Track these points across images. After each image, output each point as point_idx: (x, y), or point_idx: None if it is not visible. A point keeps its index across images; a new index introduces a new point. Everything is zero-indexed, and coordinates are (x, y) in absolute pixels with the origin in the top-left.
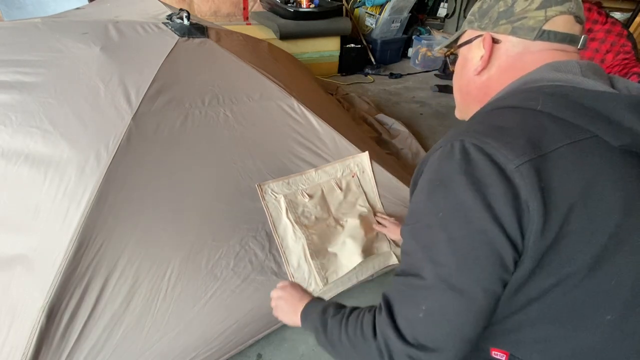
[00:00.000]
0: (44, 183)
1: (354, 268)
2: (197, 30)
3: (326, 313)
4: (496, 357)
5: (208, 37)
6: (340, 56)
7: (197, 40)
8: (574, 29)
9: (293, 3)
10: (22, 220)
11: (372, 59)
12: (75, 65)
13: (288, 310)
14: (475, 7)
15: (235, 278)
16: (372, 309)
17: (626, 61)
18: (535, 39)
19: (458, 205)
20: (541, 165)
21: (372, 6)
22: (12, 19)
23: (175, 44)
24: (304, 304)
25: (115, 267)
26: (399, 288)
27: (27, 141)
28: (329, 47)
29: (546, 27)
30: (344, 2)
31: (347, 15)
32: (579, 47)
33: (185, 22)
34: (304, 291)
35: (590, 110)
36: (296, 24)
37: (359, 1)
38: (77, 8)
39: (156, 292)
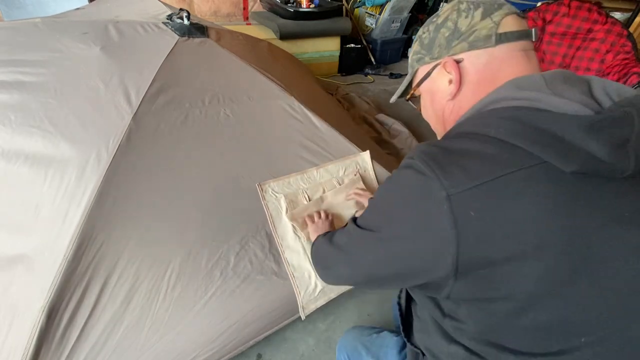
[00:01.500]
0: (44, 183)
1: None
2: (197, 30)
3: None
4: None
5: (208, 36)
6: (340, 56)
7: (197, 40)
8: (523, 24)
9: (293, 3)
10: (22, 220)
11: (372, 59)
12: (76, 65)
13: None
14: (416, 47)
15: (235, 278)
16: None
17: (626, 61)
18: (496, 43)
19: (395, 209)
20: (482, 192)
21: (372, 6)
22: (12, 19)
23: (176, 43)
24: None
25: (115, 267)
26: (347, 231)
27: (27, 141)
28: (329, 47)
29: (500, 30)
30: (344, 2)
31: (347, 15)
32: (533, 39)
33: (185, 21)
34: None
35: (543, 133)
36: (296, 24)
37: (359, 1)
38: (77, 8)
39: (156, 292)
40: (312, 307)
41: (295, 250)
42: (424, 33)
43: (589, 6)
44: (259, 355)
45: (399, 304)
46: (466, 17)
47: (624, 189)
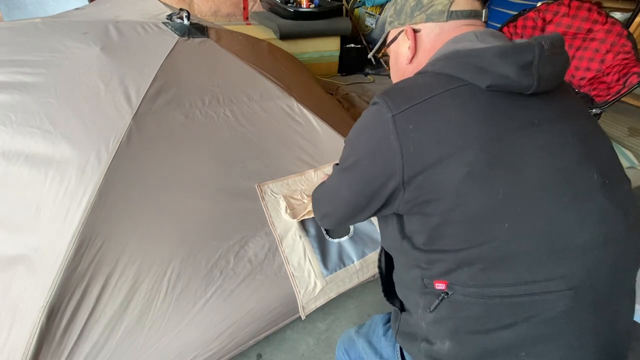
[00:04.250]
0: (44, 183)
1: (355, 268)
2: (197, 30)
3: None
4: (439, 288)
5: (208, 36)
6: (340, 56)
7: (197, 40)
8: (475, 5)
9: (293, 3)
10: (23, 220)
11: (372, 60)
12: (76, 65)
13: None
14: (391, 10)
15: (235, 278)
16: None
17: (626, 61)
18: (447, 19)
19: (357, 139)
20: (417, 110)
21: (372, 6)
22: (12, 19)
23: (176, 43)
24: None
25: (116, 266)
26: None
27: (27, 141)
28: (329, 47)
29: (452, 8)
30: (344, 2)
31: (347, 15)
32: (483, 19)
33: (186, 22)
34: None
35: (466, 63)
36: (296, 24)
37: (359, 1)
38: (77, 8)
39: (156, 292)
40: (312, 306)
41: (295, 250)
42: None
43: (589, 6)
44: (259, 355)
45: (380, 267)
46: None
47: (531, 103)
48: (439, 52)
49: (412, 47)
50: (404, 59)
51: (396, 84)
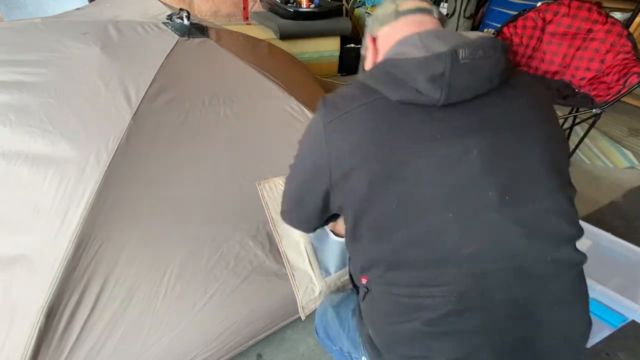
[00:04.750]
0: (44, 183)
1: None
2: (197, 30)
3: None
4: (363, 282)
5: (208, 37)
6: (340, 56)
7: (197, 40)
8: (422, 5)
9: (293, 3)
10: (22, 220)
11: None
12: (76, 65)
13: None
14: (369, 21)
15: (235, 278)
16: None
17: (626, 61)
18: (397, 18)
19: (302, 140)
20: (341, 121)
21: (372, 6)
22: (12, 19)
23: (176, 43)
24: None
25: (115, 267)
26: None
27: (27, 141)
28: (329, 47)
29: (400, 8)
30: (344, 2)
31: (347, 15)
32: (436, 16)
33: (185, 22)
34: None
35: (387, 74)
36: (296, 24)
37: (359, 1)
38: (77, 8)
39: (156, 292)
40: (312, 307)
41: (296, 250)
42: (373, 14)
43: (589, 6)
44: (259, 355)
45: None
46: (382, 7)
47: (442, 115)
48: (386, 56)
49: (371, 51)
50: (369, 62)
51: (335, 91)
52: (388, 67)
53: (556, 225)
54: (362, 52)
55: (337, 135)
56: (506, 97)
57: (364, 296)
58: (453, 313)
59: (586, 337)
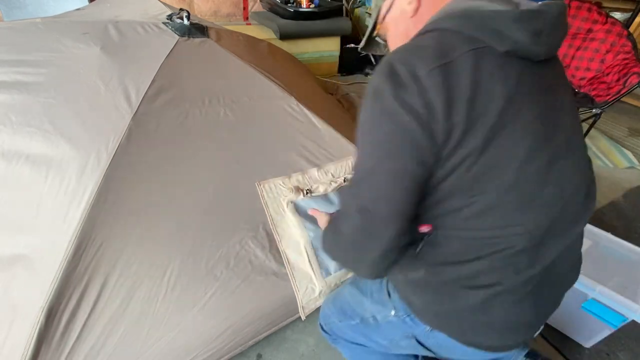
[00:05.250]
0: (44, 183)
1: None
2: (197, 30)
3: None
4: (423, 231)
5: (208, 36)
6: (340, 56)
7: (197, 40)
8: None
9: (293, 3)
10: (22, 220)
11: (372, 59)
12: (76, 65)
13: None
14: None
15: (235, 278)
16: None
17: (626, 61)
18: None
19: (384, 105)
20: (446, 69)
21: (371, 6)
22: (12, 19)
23: (176, 43)
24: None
25: (115, 267)
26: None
27: (27, 141)
28: (329, 47)
29: None
30: (344, 2)
31: (347, 15)
32: None
33: (186, 22)
34: None
35: (485, 26)
36: (296, 24)
37: (359, 1)
38: (78, 8)
39: (156, 292)
40: (312, 307)
41: (296, 250)
42: None
43: (588, 6)
44: (259, 355)
45: None
46: None
47: (537, 70)
48: (446, 8)
49: (412, 11)
50: (406, 16)
51: (410, 43)
52: (478, 19)
53: (587, 175)
54: (389, 14)
55: (446, 83)
56: (557, 59)
57: (420, 246)
58: (522, 249)
59: (580, 266)
